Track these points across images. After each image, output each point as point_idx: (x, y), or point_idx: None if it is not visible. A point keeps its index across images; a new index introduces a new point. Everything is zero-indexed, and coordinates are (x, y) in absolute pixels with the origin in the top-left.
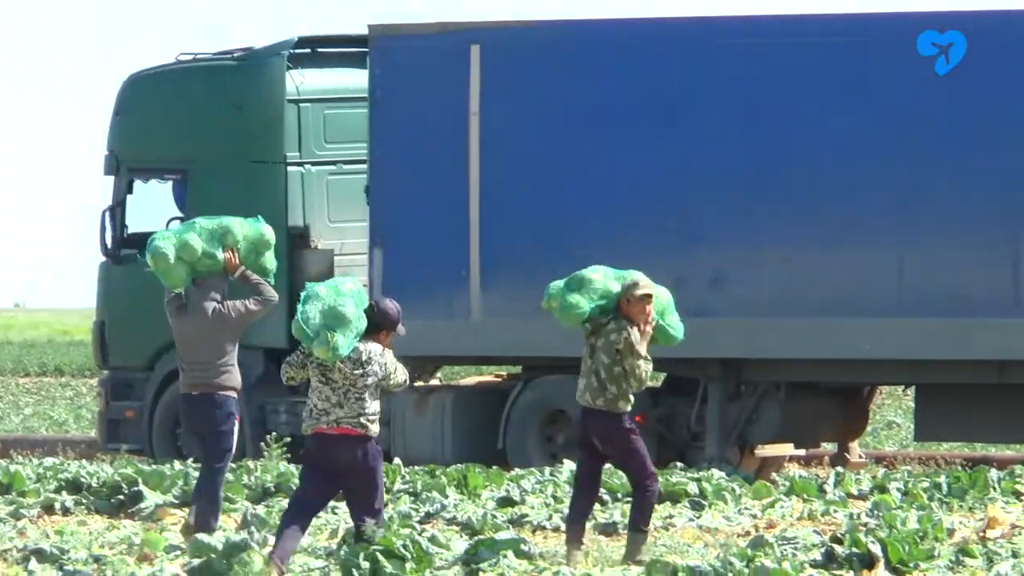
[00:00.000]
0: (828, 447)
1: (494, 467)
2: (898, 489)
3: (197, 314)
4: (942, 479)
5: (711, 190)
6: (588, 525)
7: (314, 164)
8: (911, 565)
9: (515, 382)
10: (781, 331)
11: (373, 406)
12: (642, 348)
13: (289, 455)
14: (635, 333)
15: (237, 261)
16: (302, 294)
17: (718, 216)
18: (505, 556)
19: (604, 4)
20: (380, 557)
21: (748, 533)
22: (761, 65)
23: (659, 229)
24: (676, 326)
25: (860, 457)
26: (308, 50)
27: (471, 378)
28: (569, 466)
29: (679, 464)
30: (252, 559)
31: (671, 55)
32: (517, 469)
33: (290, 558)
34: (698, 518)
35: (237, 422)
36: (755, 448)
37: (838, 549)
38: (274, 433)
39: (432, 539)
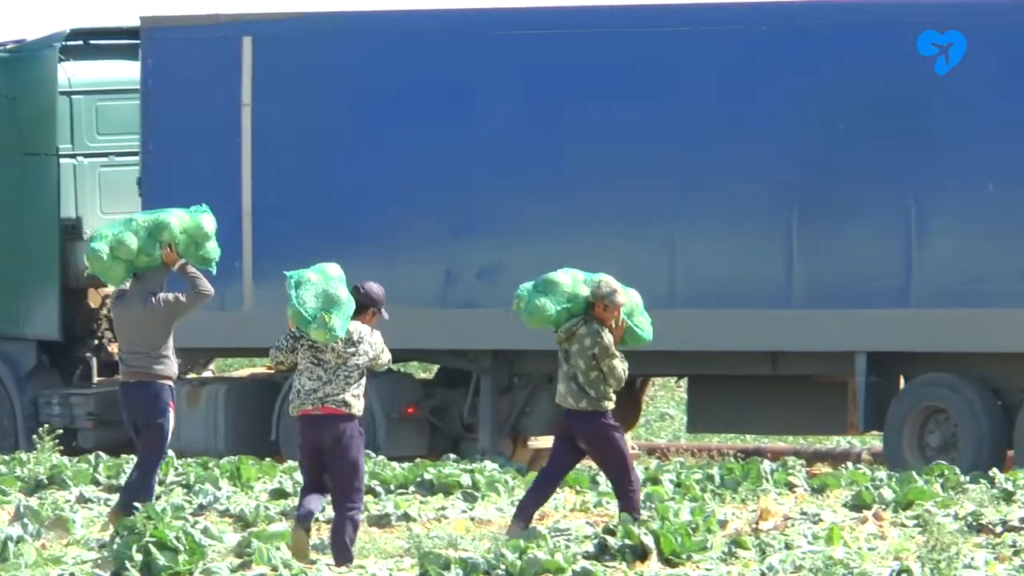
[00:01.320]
0: None
1: (267, 459)
2: (671, 480)
3: (132, 305)
4: (715, 470)
5: (482, 181)
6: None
7: (86, 156)
8: (684, 557)
9: (287, 374)
10: None
11: (359, 386)
12: (615, 348)
13: (62, 447)
14: (607, 335)
15: (176, 255)
16: (292, 280)
17: (490, 207)
18: (278, 548)
19: None
20: (153, 549)
21: None
22: (533, 57)
23: (431, 220)
24: (644, 327)
25: (633, 448)
26: (80, 42)
27: (244, 370)
28: None
29: (452, 456)
30: (25, 552)
31: (443, 46)
32: (290, 461)
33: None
34: (471, 510)
35: (172, 410)
36: (528, 440)
37: (611, 541)
38: (47, 425)
39: (205, 531)
